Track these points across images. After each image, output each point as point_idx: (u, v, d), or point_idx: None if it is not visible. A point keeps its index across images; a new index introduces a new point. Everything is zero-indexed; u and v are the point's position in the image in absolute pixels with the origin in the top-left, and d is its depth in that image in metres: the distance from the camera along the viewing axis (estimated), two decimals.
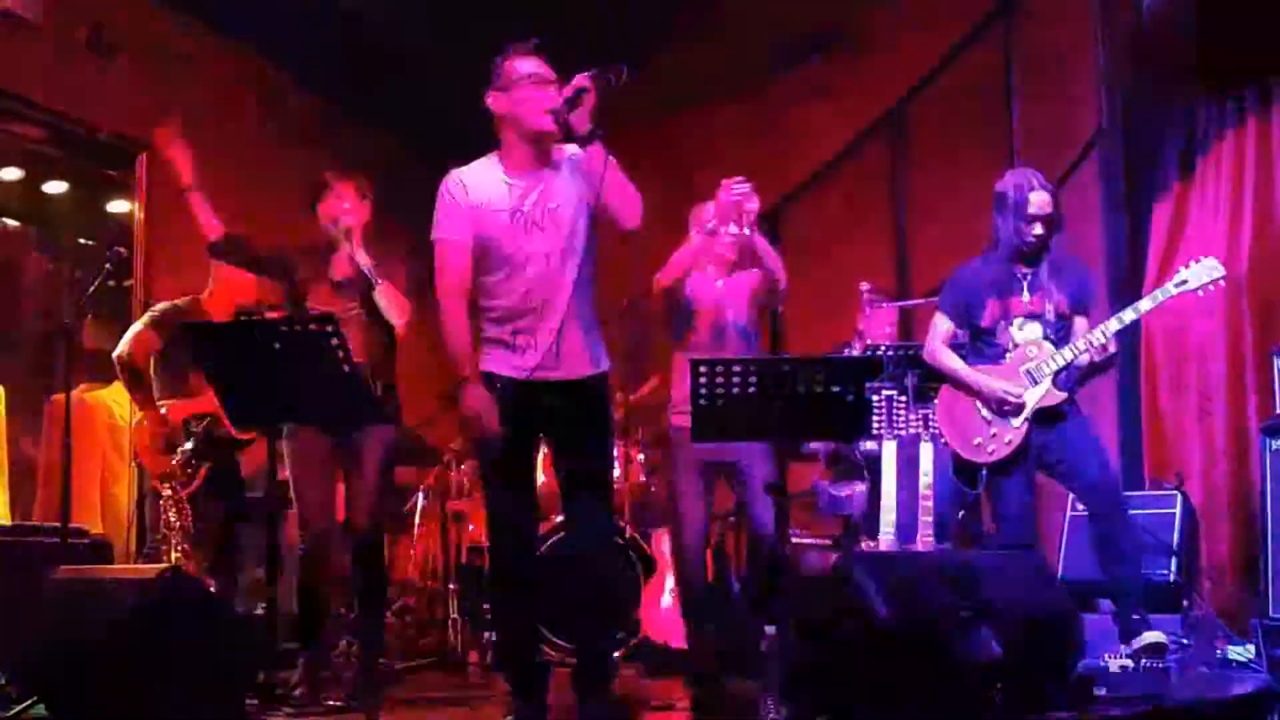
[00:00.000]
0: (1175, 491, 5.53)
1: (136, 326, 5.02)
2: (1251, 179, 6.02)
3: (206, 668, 3.54)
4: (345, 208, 4.47)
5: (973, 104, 6.96)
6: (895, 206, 7.43)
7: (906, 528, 5.00)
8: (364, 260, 4.38)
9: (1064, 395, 4.55)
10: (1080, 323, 4.65)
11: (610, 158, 3.55)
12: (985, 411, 4.62)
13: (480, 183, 3.70)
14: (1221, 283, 4.56)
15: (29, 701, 3.68)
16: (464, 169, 3.74)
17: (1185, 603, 5.14)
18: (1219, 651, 4.86)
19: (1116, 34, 6.52)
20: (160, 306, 5.10)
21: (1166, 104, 6.36)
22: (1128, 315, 4.53)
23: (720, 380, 3.82)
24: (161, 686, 3.44)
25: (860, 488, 5.89)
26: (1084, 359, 4.53)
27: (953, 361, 4.70)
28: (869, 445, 5.55)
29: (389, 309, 4.40)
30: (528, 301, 3.65)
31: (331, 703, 3.95)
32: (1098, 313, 4.73)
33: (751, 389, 3.80)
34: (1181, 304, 6.02)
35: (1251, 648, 4.81)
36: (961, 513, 5.18)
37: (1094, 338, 4.51)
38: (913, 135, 7.40)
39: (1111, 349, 4.53)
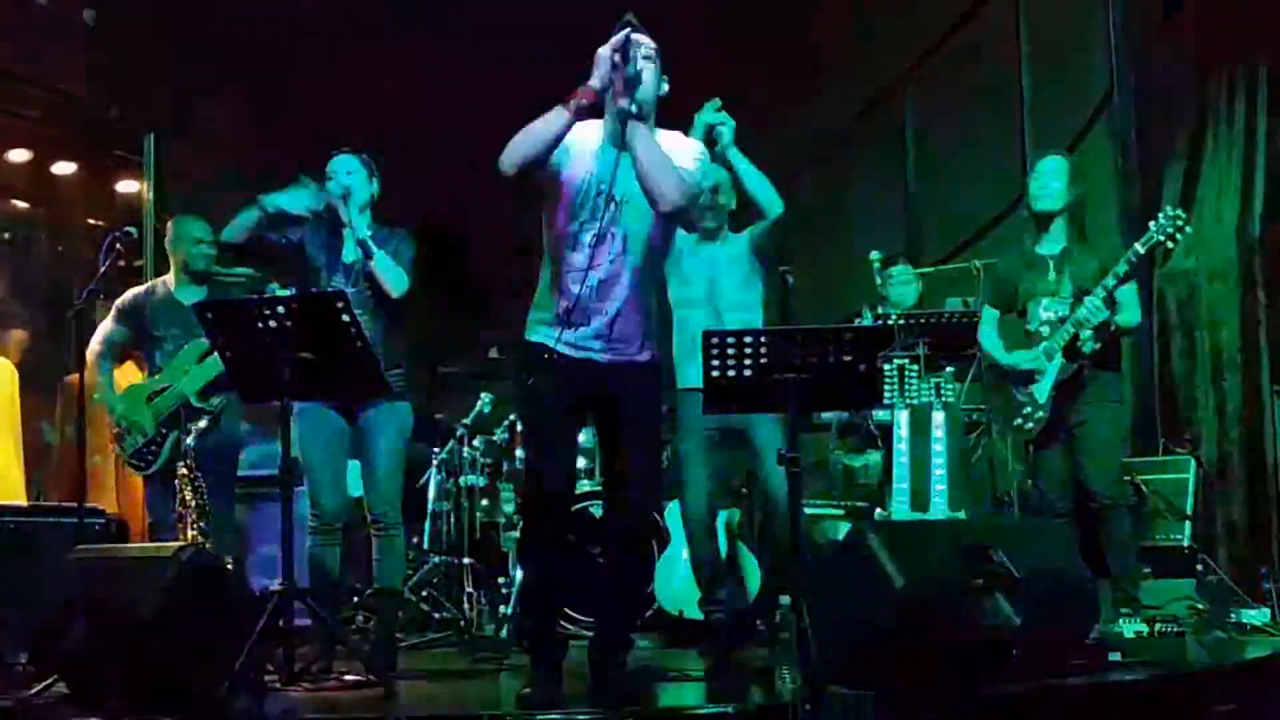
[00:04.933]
0: (1188, 456, 5.51)
1: (105, 324, 5.09)
2: (1264, 140, 5.97)
3: (224, 644, 3.56)
4: (343, 180, 4.47)
5: (984, 69, 6.92)
6: (904, 175, 7.41)
7: (921, 496, 5.01)
8: (359, 231, 4.38)
9: (1075, 367, 4.63)
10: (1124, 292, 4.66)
11: (647, 138, 3.50)
12: (1018, 391, 4.75)
13: (579, 144, 3.62)
14: (1186, 228, 4.60)
15: (48, 681, 3.70)
16: (579, 124, 3.62)
17: (1199, 567, 5.14)
18: (1233, 615, 4.87)
19: None
20: (123, 298, 5.14)
21: (1179, 66, 6.30)
22: (1109, 281, 4.58)
23: (732, 352, 3.82)
24: (179, 663, 3.46)
25: (874, 457, 5.89)
26: (1086, 332, 4.58)
27: (990, 345, 4.91)
28: (882, 415, 5.55)
29: (385, 279, 4.39)
30: (588, 278, 3.61)
31: (348, 677, 3.97)
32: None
33: (763, 360, 3.80)
34: (1193, 268, 6.07)
35: (1266, 611, 4.81)
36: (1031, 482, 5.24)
37: (1081, 312, 4.58)
38: (922, 104, 7.37)
39: (1099, 318, 4.54)
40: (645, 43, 3.57)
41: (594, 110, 3.62)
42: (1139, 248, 4.56)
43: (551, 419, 3.67)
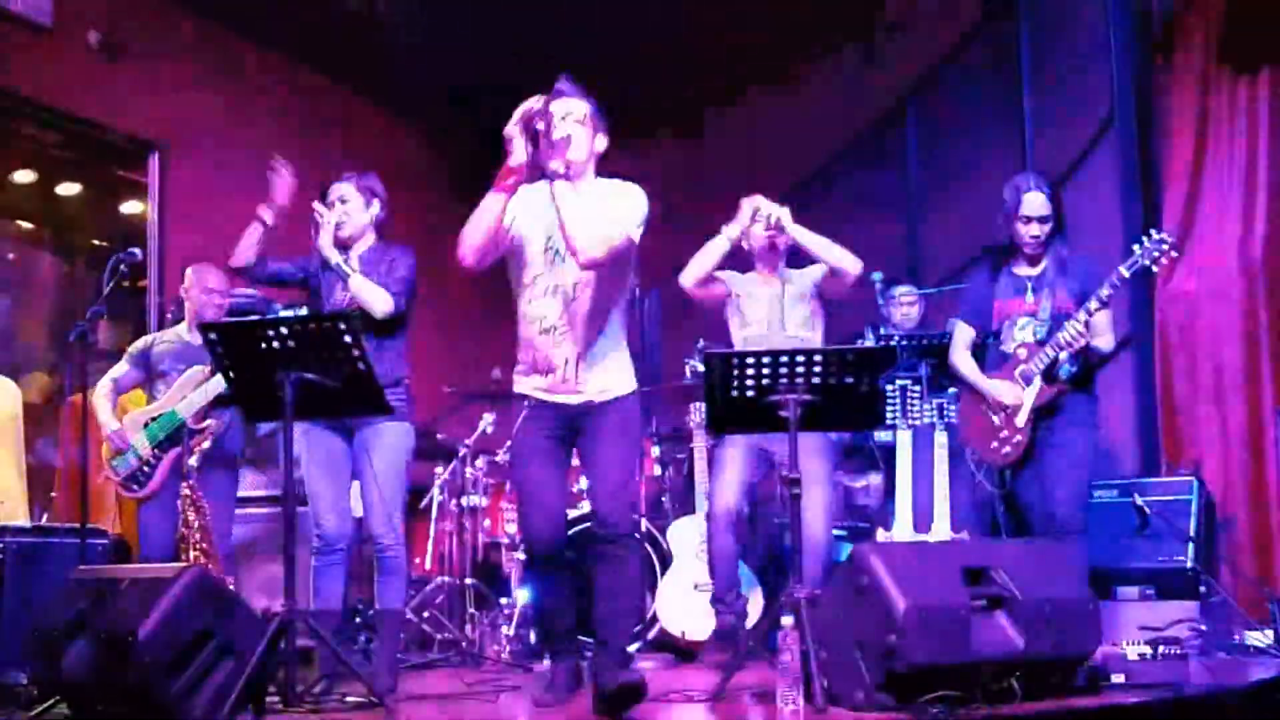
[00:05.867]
0: (1191, 478, 5.51)
1: (119, 365, 5.24)
2: (1265, 162, 5.97)
3: (226, 666, 3.56)
4: (337, 207, 4.52)
5: (985, 90, 6.95)
6: (907, 195, 7.43)
7: (922, 518, 5.01)
8: (331, 256, 4.45)
9: (1054, 391, 4.60)
10: (1099, 318, 4.64)
11: (567, 196, 3.74)
12: (995, 415, 4.72)
13: (531, 204, 3.92)
14: (1173, 252, 4.55)
15: (51, 701, 3.70)
16: (529, 186, 3.90)
17: (1203, 589, 5.12)
18: (1237, 637, 4.85)
19: (1130, 17, 6.49)
20: (136, 344, 5.29)
21: (1180, 86, 6.32)
22: (1092, 305, 4.54)
23: (734, 373, 3.84)
24: (181, 685, 3.46)
25: (875, 478, 5.89)
26: (1063, 355, 4.56)
27: (966, 367, 4.84)
28: (884, 436, 5.56)
29: (366, 301, 4.43)
30: (547, 326, 3.91)
31: (350, 699, 3.96)
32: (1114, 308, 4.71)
33: (765, 381, 3.81)
34: (1195, 290, 6.06)
35: (1270, 633, 4.80)
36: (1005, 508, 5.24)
37: (1061, 336, 4.54)
38: (924, 122, 7.39)
39: (1080, 343, 4.51)
40: (573, 107, 3.86)
41: (540, 173, 3.85)
42: (1124, 271, 4.53)
43: (535, 466, 3.98)
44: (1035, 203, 4.69)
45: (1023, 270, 4.77)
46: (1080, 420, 4.65)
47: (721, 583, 5.05)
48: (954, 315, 5.77)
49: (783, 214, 4.84)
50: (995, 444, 4.72)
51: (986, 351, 4.87)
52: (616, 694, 3.57)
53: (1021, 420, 4.63)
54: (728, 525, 4.98)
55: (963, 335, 4.89)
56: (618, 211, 3.83)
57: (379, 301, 4.43)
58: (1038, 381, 4.62)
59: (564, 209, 3.73)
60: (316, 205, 4.52)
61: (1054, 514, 4.57)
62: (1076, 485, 4.63)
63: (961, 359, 4.86)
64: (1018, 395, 4.63)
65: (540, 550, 4.01)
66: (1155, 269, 4.62)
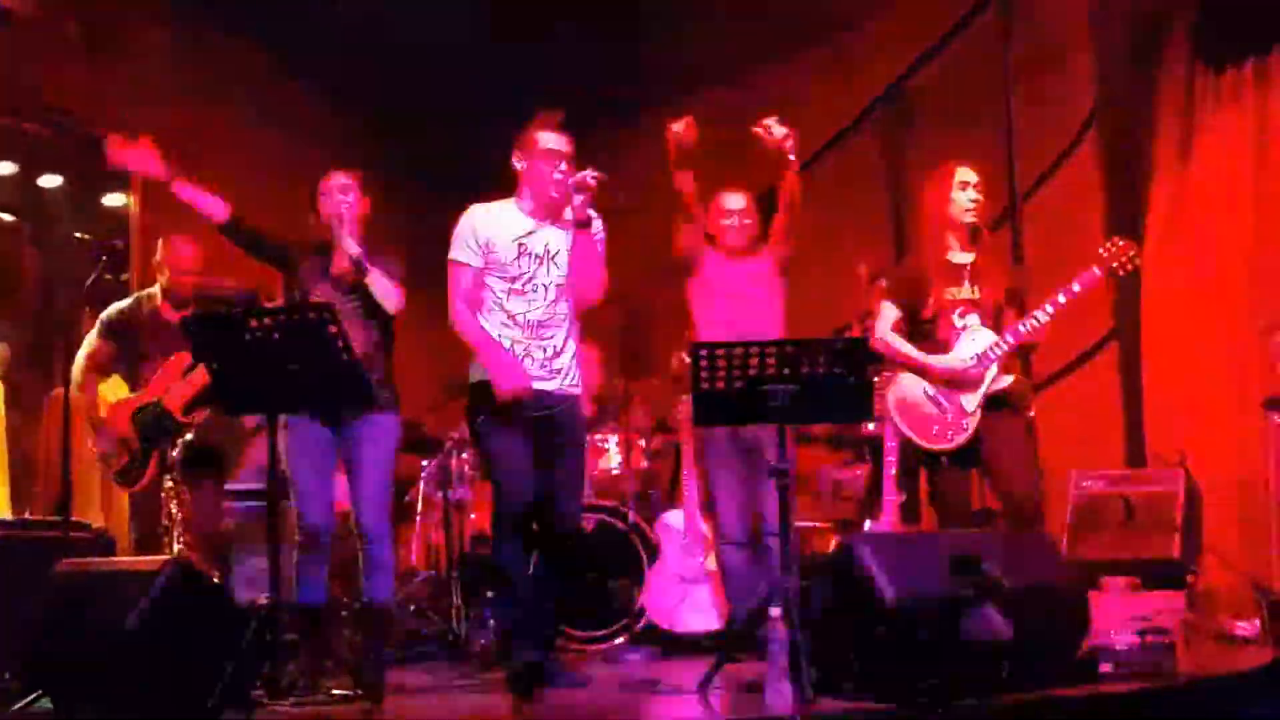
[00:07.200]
0: (1178, 469, 5.52)
1: (90, 340, 5.07)
2: (1250, 154, 5.98)
3: (210, 659, 3.54)
4: (338, 198, 4.46)
5: (971, 84, 6.94)
6: (892, 188, 7.42)
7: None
8: (353, 249, 4.37)
9: (1011, 379, 4.56)
10: (1010, 313, 4.65)
11: (590, 241, 4.26)
12: (939, 397, 4.61)
13: (497, 218, 4.35)
14: (1138, 260, 4.59)
15: (33, 696, 3.67)
16: (484, 205, 4.39)
17: (1189, 579, 5.14)
18: (1224, 627, 4.86)
19: (1113, 12, 6.49)
20: (109, 313, 5.11)
21: (1164, 80, 6.32)
22: (1061, 298, 4.51)
23: (721, 364, 3.83)
24: (165, 678, 3.44)
25: (863, 469, 5.89)
26: (1029, 338, 4.54)
27: (905, 346, 4.69)
28: (871, 427, 5.55)
29: (382, 296, 4.39)
30: (526, 319, 4.28)
31: (336, 692, 3.95)
32: (1030, 301, 4.66)
33: (752, 372, 3.80)
34: (1180, 283, 6.08)
35: (1256, 622, 4.81)
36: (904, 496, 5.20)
37: (1036, 319, 4.50)
38: (910, 116, 7.38)
39: (1041, 335, 4.53)
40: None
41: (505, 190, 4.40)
42: (1095, 271, 4.52)
43: (505, 437, 4.24)
44: (967, 172, 4.66)
45: (957, 257, 4.67)
46: (1016, 406, 4.63)
47: (740, 607, 4.91)
48: None
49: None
50: (938, 428, 4.59)
51: (914, 336, 4.71)
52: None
53: (971, 405, 4.53)
54: (738, 549, 4.94)
55: (892, 315, 4.73)
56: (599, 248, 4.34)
57: (394, 298, 4.42)
58: (994, 368, 4.54)
59: (582, 256, 4.24)
60: (339, 198, 4.44)
61: (1016, 499, 4.51)
62: (1032, 468, 4.63)
63: (895, 339, 4.69)
64: (976, 374, 4.53)
65: (509, 515, 4.25)
66: (1121, 273, 4.60)
